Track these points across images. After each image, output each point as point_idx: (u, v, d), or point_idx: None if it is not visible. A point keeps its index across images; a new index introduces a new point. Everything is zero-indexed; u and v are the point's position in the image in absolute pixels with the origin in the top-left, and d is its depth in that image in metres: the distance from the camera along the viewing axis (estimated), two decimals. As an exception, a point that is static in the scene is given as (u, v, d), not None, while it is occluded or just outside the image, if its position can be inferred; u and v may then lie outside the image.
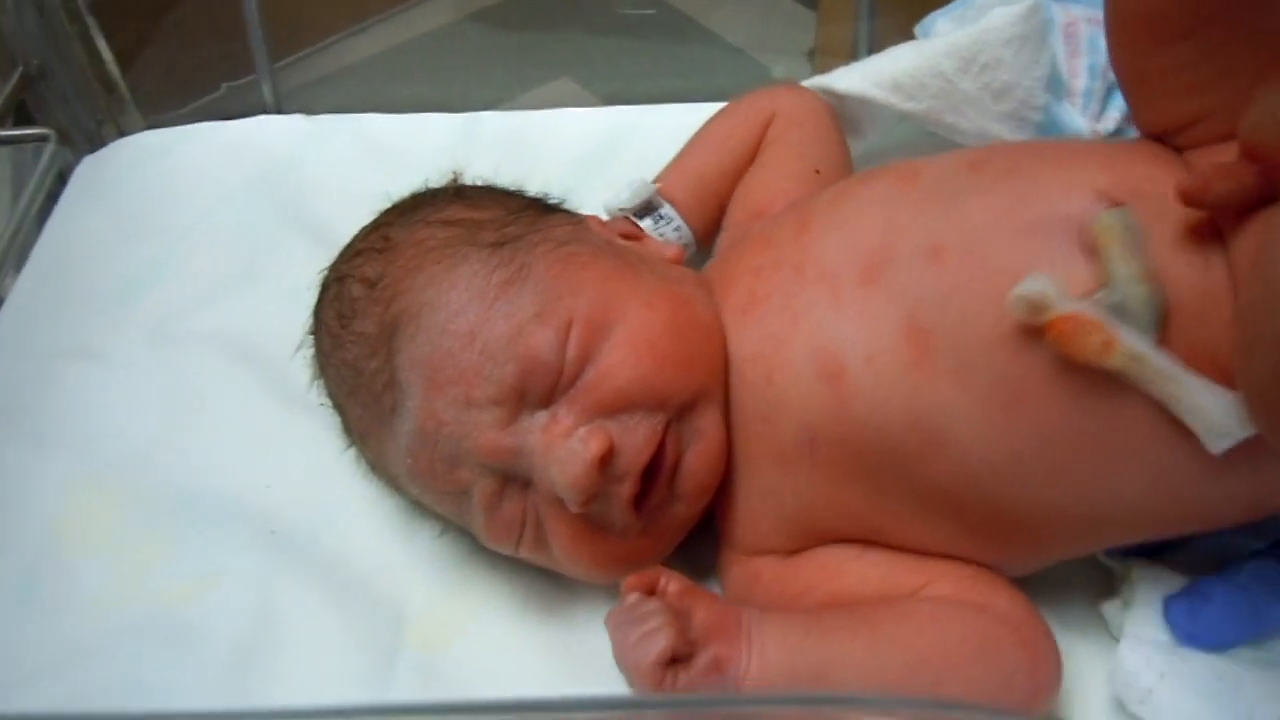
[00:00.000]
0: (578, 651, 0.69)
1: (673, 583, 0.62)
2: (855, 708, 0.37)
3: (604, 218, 0.82)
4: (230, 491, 0.78)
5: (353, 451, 0.77)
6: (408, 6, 1.45)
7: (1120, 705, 0.63)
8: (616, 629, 0.60)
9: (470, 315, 0.63)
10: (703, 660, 0.58)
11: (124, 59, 1.16)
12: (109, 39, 1.14)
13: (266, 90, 1.18)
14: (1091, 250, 0.56)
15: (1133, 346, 0.54)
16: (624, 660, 0.59)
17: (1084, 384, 0.55)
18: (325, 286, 0.75)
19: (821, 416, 0.62)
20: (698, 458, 0.64)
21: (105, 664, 0.69)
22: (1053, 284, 0.54)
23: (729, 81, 1.18)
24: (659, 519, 0.65)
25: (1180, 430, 0.55)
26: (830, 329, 0.62)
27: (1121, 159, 0.61)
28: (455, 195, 0.75)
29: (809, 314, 0.64)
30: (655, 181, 0.86)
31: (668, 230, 0.85)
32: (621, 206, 0.84)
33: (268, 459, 0.80)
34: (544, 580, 0.72)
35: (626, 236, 0.75)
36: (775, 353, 0.65)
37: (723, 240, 0.84)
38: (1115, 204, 0.57)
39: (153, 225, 0.99)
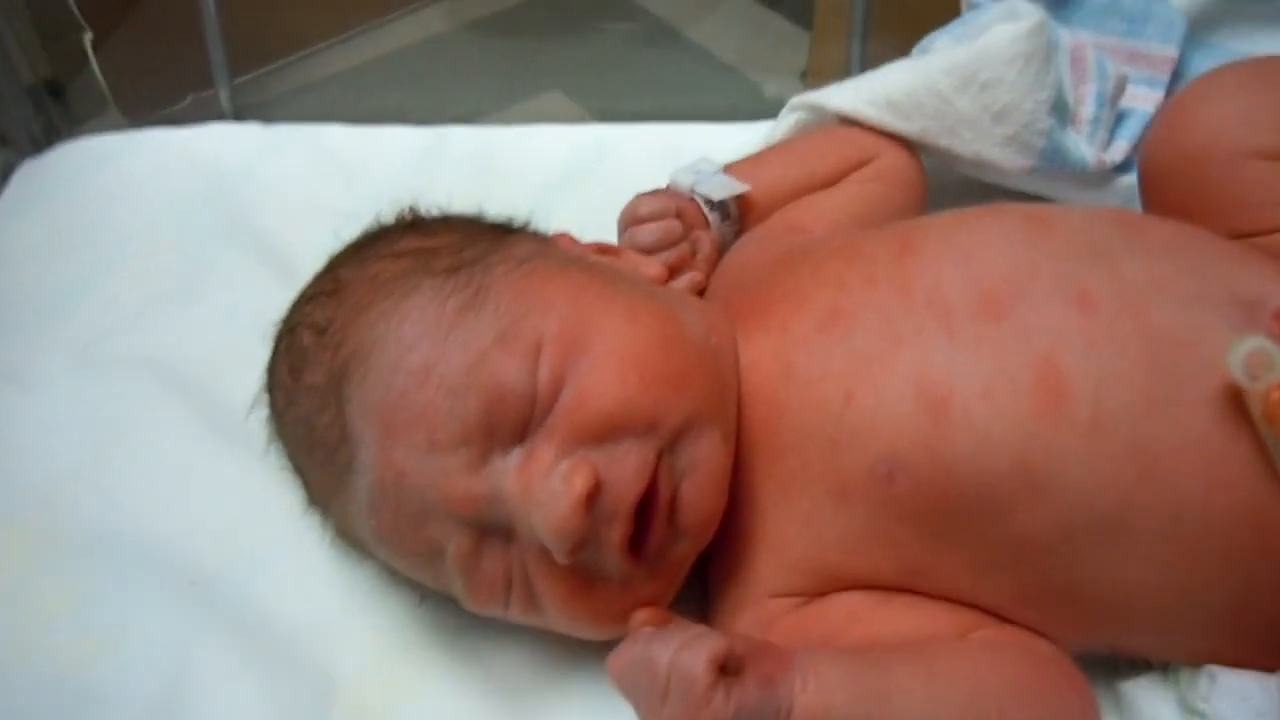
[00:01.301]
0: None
1: (686, 622, 0.56)
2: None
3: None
4: (150, 536, 0.71)
5: (289, 496, 0.70)
6: (394, 17, 1.40)
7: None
8: (644, 649, 0.52)
9: (424, 349, 0.56)
10: (754, 674, 0.51)
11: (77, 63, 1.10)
12: (64, 44, 1.08)
13: (224, 97, 1.12)
14: None
15: None
16: (658, 677, 0.51)
17: (1229, 473, 0.53)
18: (278, 339, 0.68)
19: (911, 446, 0.56)
20: (696, 489, 0.57)
21: (-6, 731, 0.62)
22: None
23: (720, 99, 1.14)
24: (662, 560, 0.58)
25: None
26: (941, 356, 0.57)
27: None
28: (409, 227, 0.68)
29: (917, 338, 0.58)
30: (729, 174, 0.80)
31: (729, 233, 0.79)
32: (707, 197, 0.78)
33: (194, 500, 0.73)
34: (492, 647, 0.65)
35: (603, 253, 0.69)
36: (862, 372, 0.59)
37: (741, 249, 0.77)
38: None
39: (88, 237, 0.93)
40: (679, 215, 0.77)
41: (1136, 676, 0.61)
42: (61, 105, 1.11)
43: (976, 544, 0.57)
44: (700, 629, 0.53)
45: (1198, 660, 0.57)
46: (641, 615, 0.56)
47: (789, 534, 0.60)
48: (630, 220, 0.77)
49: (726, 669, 0.50)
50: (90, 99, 1.10)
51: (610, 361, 0.56)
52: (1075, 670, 0.58)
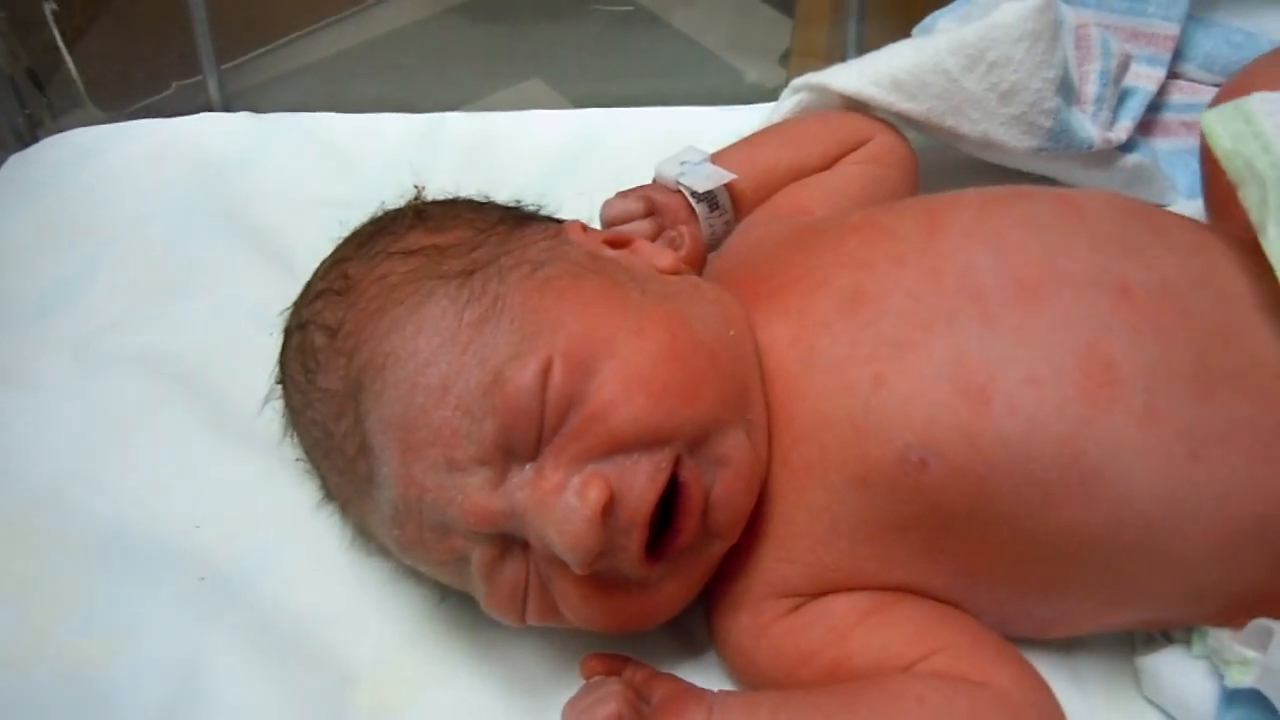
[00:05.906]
0: (547, 722, 0.61)
1: (639, 670, 0.60)
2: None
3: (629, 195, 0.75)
4: (155, 532, 0.70)
5: (296, 489, 0.70)
6: (372, 4, 1.38)
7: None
8: (570, 706, 0.57)
9: (441, 365, 0.56)
10: None
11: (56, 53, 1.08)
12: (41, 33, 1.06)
13: (213, 87, 1.09)
14: None
15: None
16: None
17: (1276, 451, 0.55)
18: (288, 333, 0.67)
19: (949, 433, 0.56)
20: (726, 488, 0.57)
21: (2, 736, 0.60)
22: None
23: (700, 84, 1.13)
24: (690, 560, 0.58)
25: None
26: (976, 343, 0.57)
27: None
28: (416, 218, 0.67)
29: (951, 322, 0.58)
30: (715, 162, 0.79)
31: (717, 223, 0.77)
32: (693, 189, 0.76)
33: (199, 495, 0.72)
34: (511, 640, 0.64)
35: (613, 244, 0.67)
36: (894, 357, 0.58)
37: (750, 229, 0.76)
38: None
39: (79, 232, 0.91)
40: (661, 210, 0.76)
41: (1156, 650, 0.61)
42: (45, 97, 1.08)
43: (1007, 540, 0.56)
44: (614, 688, 0.57)
45: (1228, 620, 0.57)
46: (592, 662, 0.60)
47: (798, 524, 0.60)
48: (602, 224, 0.76)
49: None
50: (69, 91, 1.08)
51: (616, 381, 0.55)
52: (1039, 708, 0.57)
